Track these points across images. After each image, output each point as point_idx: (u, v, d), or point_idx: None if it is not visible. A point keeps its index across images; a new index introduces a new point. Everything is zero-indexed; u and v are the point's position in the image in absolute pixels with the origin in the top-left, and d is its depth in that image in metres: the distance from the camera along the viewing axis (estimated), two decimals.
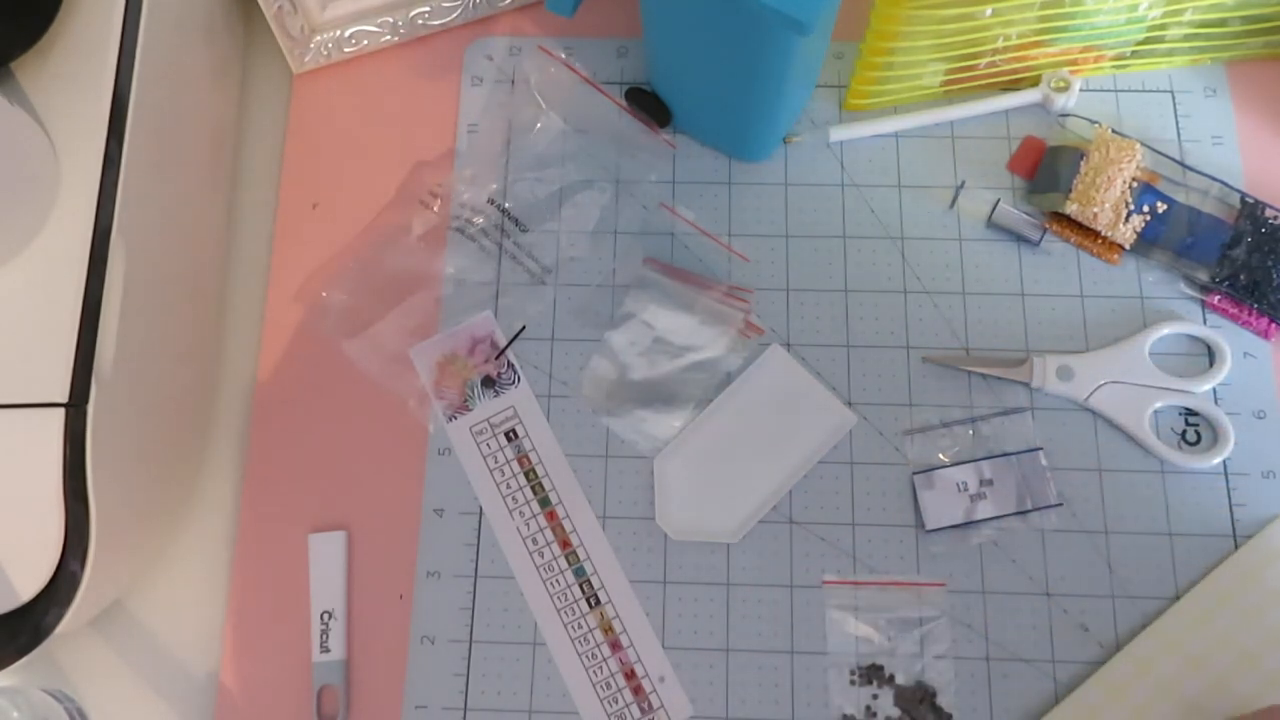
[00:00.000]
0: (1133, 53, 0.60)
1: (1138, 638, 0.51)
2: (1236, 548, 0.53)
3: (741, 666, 0.52)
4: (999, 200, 0.58)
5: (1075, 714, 0.50)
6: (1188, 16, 0.58)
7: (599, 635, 0.53)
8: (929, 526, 0.54)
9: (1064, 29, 0.58)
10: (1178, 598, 0.52)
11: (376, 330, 0.58)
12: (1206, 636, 0.51)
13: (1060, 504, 0.53)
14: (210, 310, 0.59)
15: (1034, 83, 0.60)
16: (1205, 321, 0.57)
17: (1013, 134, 0.61)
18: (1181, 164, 0.59)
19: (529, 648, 0.53)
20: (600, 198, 0.60)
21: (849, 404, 0.56)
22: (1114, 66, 0.61)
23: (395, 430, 0.57)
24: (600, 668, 0.53)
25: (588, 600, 0.54)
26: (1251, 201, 0.57)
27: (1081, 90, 0.60)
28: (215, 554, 0.56)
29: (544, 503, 0.55)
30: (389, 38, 0.63)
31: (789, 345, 0.57)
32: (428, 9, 0.62)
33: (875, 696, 0.52)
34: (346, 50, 0.63)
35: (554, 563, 0.54)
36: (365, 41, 0.63)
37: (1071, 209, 0.57)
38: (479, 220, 0.59)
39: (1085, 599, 0.53)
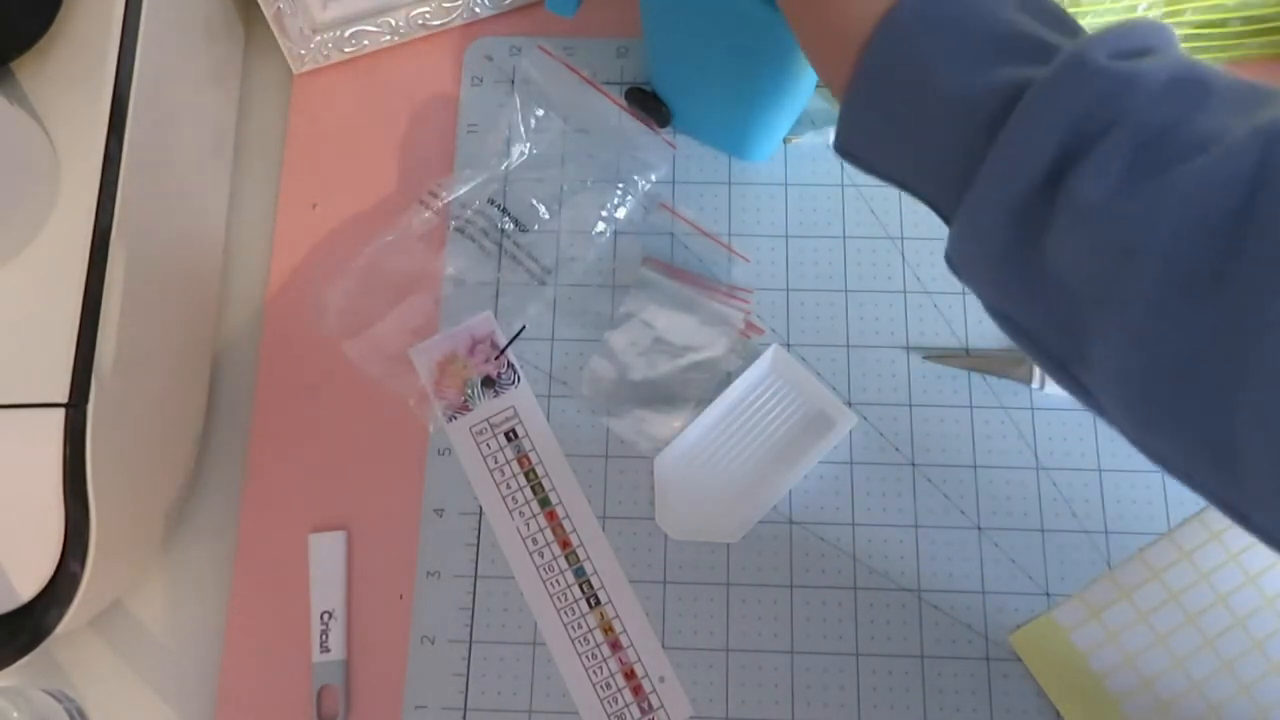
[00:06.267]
0: None
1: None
2: None
3: (741, 666, 0.52)
4: None
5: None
6: (1188, 16, 0.58)
7: (599, 635, 0.53)
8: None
9: None
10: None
11: (376, 330, 0.58)
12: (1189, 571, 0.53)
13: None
14: (210, 310, 0.59)
15: None
16: None
17: None
18: None
19: (529, 648, 0.53)
20: (600, 198, 0.60)
21: (849, 404, 0.56)
22: None
23: (395, 430, 0.57)
24: (600, 668, 0.53)
25: (588, 600, 0.54)
26: None
27: None
28: (215, 554, 0.56)
29: (544, 503, 0.55)
30: (389, 38, 0.63)
31: (789, 345, 0.57)
32: (428, 9, 0.62)
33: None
34: (346, 50, 0.63)
35: (554, 563, 0.54)
36: (365, 41, 0.63)
37: None
38: (479, 220, 0.59)
39: None
